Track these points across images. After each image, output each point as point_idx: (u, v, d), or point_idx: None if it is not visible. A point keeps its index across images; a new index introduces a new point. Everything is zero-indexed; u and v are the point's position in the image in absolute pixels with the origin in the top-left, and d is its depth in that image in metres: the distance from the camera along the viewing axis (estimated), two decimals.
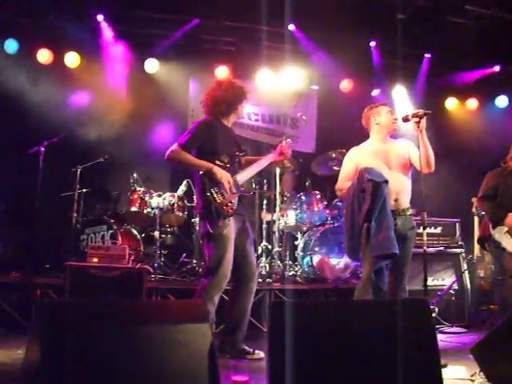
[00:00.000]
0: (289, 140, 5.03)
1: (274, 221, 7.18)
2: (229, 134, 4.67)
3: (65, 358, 2.37)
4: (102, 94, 7.99)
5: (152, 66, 8.37)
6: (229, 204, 4.33)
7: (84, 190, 7.01)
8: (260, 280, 6.58)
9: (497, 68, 9.12)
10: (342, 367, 2.53)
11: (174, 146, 4.37)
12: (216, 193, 4.30)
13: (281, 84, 8.91)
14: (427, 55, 8.92)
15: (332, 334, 2.58)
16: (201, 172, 4.35)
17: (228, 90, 4.61)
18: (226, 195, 4.32)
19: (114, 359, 2.52)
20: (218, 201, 4.29)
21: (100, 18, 7.80)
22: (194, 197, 6.22)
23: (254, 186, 7.22)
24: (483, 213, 5.89)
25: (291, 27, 8.24)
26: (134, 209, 6.93)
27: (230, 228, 4.36)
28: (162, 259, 6.97)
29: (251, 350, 4.54)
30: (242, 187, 4.55)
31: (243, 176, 4.57)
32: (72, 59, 8.02)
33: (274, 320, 2.60)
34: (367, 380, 2.53)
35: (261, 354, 4.50)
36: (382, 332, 2.61)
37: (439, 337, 5.54)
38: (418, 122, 4.36)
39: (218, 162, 4.38)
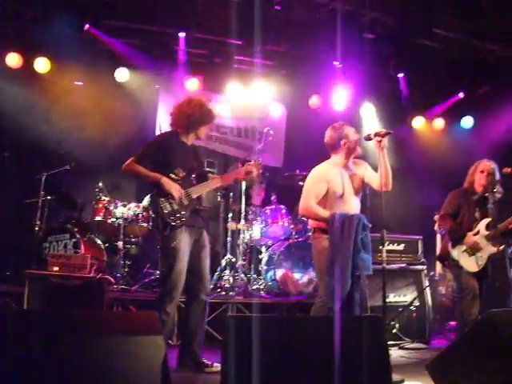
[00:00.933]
0: (259, 160, 5.08)
1: (239, 233, 7.18)
2: (187, 150, 4.71)
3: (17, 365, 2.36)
4: (71, 101, 7.92)
5: (122, 74, 8.32)
6: (177, 215, 4.39)
7: (48, 198, 6.92)
8: (223, 293, 6.59)
9: (461, 95, 9.34)
10: (294, 382, 2.54)
11: (130, 159, 4.49)
12: (164, 203, 4.38)
13: (250, 98, 8.94)
14: (399, 75, 9.03)
15: (286, 349, 2.60)
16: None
17: (195, 108, 4.65)
18: (174, 206, 4.39)
19: (66, 368, 2.50)
20: (165, 211, 4.37)
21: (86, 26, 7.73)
22: None
23: (219, 198, 7.24)
24: (444, 231, 5.97)
25: (258, 46, 8.27)
26: (98, 218, 6.87)
27: (181, 240, 4.40)
28: (125, 269, 6.92)
29: (210, 363, 4.52)
30: (197, 200, 4.59)
31: (198, 189, 4.61)
32: (42, 64, 7.93)
33: (229, 334, 2.60)
34: None
35: (219, 367, 4.47)
36: (334, 348, 2.62)
37: (399, 353, 5.67)
38: (380, 141, 4.43)
39: (171, 175, 4.47)
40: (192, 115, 4.62)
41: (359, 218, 4.40)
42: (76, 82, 8.12)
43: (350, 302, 4.39)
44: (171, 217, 4.37)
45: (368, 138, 4.55)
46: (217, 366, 4.46)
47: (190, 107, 4.65)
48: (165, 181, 4.40)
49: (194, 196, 4.55)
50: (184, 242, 4.43)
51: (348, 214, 4.42)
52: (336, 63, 8.67)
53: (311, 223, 4.77)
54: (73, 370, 2.48)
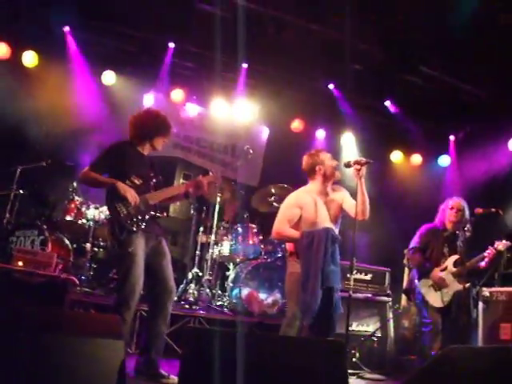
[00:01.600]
0: (217, 173, 5.08)
1: (208, 247, 7.15)
2: (142, 159, 4.69)
3: None
4: (55, 98, 7.86)
5: (109, 78, 8.31)
6: (134, 219, 4.37)
7: (21, 192, 6.82)
8: (187, 306, 6.54)
9: (452, 138, 9.57)
10: None
11: (85, 169, 4.50)
12: (120, 207, 4.37)
13: (233, 115, 8.99)
14: (386, 103, 9.14)
15: (244, 365, 2.58)
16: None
17: (150, 119, 4.68)
18: (130, 210, 4.38)
19: (21, 366, 2.45)
20: (122, 215, 4.35)
21: (66, 28, 7.76)
22: None
23: (191, 211, 7.22)
24: (412, 264, 6.02)
25: (245, 65, 8.35)
26: (68, 218, 6.81)
27: (136, 245, 4.36)
28: (91, 273, 6.84)
29: (166, 374, 4.44)
30: (155, 207, 4.58)
31: (155, 196, 4.60)
32: (29, 58, 7.87)
33: (189, 345, 2.58)
34: None
35: (175, 379, 4.36)
36: (294, 369, 2.62)
37: (358, 382, 5.66)
38: (359, 170, 4.46)
39: (128, 183, 4.46)
40: (146, 126, 4.64)
41: (327, 232, 4.42)
42: (61, 79, 8.05)
43: (326, 319, 4.46)
44: (128, 221, 4.35)
45: (347, 165, 4.58)
46: (173, 379, 4.41)
47: (144, 118, 4.70)
48: (119, 185, 4.38)
49: (152, 202, 4.54)
50: (140, 247, 4.39)
51: (316, 230, 4.45)
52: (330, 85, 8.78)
53: (288, 246, 4.78)
54: (29, 368, 2.43)
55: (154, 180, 4.69)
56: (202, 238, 7.38)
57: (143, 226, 4.42)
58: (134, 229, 4.36)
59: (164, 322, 4.51)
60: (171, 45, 8.16)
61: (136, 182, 4.51)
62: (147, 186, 4.60)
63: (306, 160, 4.78)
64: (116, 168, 4.49)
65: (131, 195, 4.38)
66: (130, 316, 4.36)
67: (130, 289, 4.31)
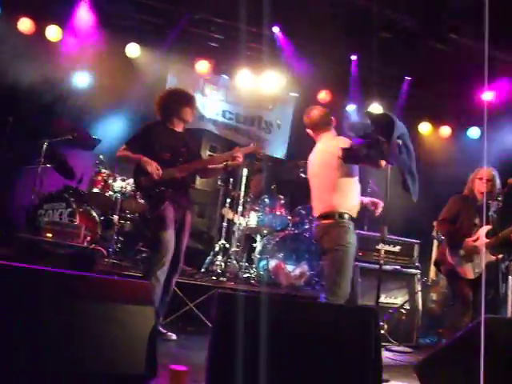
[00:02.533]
0: (258, 145, 5.25)
1: (235, 222, 7.12)
2: (174, 136, 4.99)
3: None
4: (81, 72, 7.87)
5: (133, 50, 8.24)
6: (156, 190, 4.69)
7: (48, 165, 6.83)
8: (214, 278, 6.54)
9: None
10: (283, 365, 2.49)
11: (122, 147, 4.89)
12: (142, 180, 4.74)
13: (260, 86, 8.88)
14: (406, 77, 8.97)
15: (276, 332, 2.55)
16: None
17: (169, 95, 5.10)
18: (151, 182, 4.68)
19: (54, 330, 2.45)
20: (146, 186, 4.73)
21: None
22: None
23: (219, 182, 7.18)
24: (443, 237, 5.92)
25: (275, 29, 8.21)
26: (95, 190, 6.86)
27: (163, 211, 4.65)
28: (118, 245, 6.87)
29: (164, 332, 4.79)
30: (183, 179, 4.85)
31: (182, 168, 4.85)
32: (53, 32, 7.84)
33: (220, 312, 2.55)
34: (307, 380, 2.50)
35: (173, 336, 4.82)
36: (328, 335, 2.58)
37: (386, 354, 5.62)
38: None
39: (158, 159, 4.75)
40: (168, 103, 4.99)
41: None
42: (86, 54, 8.03)
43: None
44: (151, 191, 4.71)
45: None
46: (171, 335, 4.81)
47: (165, 96, 5.08)
48: (144, 160, 4.70)
49: (178, 175, 4.80)
50: (170, 211, 4.68)
51: None
52: (353, 57, 8.62)
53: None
54: (60, 332, 2.43)
55: (186, 154, 4.93)
56: (228, 214, 7.36)
57: (168, 196, 4.69)
58: (160, 196, 4.67)
59: (167, 293, 4.82)
60: (197, 16, 8.06)
61: (165, 157, 4.80)
62: (176, 160, 4.85)
63: (319, 112, 4.60)
64: (147, 146, 4.80)
65: (152, 168, 4.66)
66: (163, 275, 4.62)
67: (163, 251, 4.60)
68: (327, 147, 4.43)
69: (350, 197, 4.37)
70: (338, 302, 3.96)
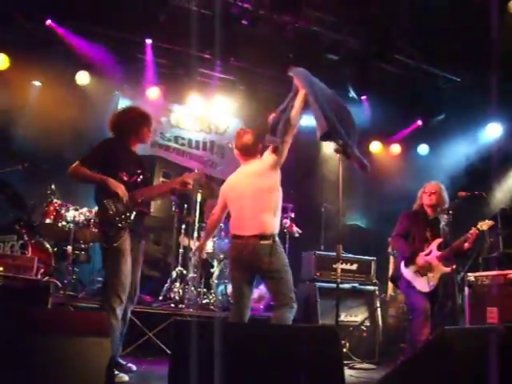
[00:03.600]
0: (202, 169, 5.13)
1: (191, 248, 7.06)
2: (129, 154, 4.76)
3: None
4: (28, 101, 7.74)
5: (83, 78, 8.19)
6: (122, 216, 4.42)
7: None
8: (172, 305, 6.46)
9: (419, 122, 9.56)
10: None
11: (76, 163, 4.50)
12: (109, 204, 4.41)
13: (210, 112, 8.93)
14: (362, 97, 9.12)
15: (236, 357, 2.52)
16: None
17: (129, 113, 4.83)
18: (119, 207, 4.42)
19: (8, 367, 2.37)
20: (111, 212, 4.40)
21: (48, 21, 7.61)
22: None
23: (173, 208, 7.12)
24: (396, 251, 6.01)
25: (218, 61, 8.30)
26: (48, 221, 6.67)
27: (124, 241, 4.41)
28: (73, 276, 6.72)
29: (124, 363, 4.58)
30: (142, 204, 4.61)
31: (142, 192, 4.64)
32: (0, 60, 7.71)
33: (177, 339, 2.51)
34: None
35: (133, 367, 4.61)
36: (289, 355, 2.56)
37: (349, 372, 5.63)
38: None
39: (115, 179, 4.48)
40: (127, 120, 4.75)
41: None
42: (34, 82, 7.92)
43: None
44: (117, 217, 4.40)
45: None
46: (130, 366, 4.59)
47: (124, 113, 4.87)
48: (110, 181, 4.42)
49: (139, 199, 4.57)
50: (128, 243, 4.45)
51: None
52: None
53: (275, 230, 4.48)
54: (15, 368, 2.35)
55: (142, 177, 4.75)
56: (184, 241, 7.31)
57: (130, 223, 4.46)
58: (124, 226, 4.41)
59: (124, 324, 4.58)
60: (148, 41, 8.06)
61: (124, 178, 4.55)
62: (134, 182, 4.64)
63: (252, 138, 4.60)
64: (105, 164, 4.50)
65: (122, 191, 4.43)
66: (121, 312, 4.37)
67: (122, 285, 4.35)
68: (260, 170, 4.50)
69: (278, 219, 4.53)
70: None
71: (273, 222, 4.40)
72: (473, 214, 6.08)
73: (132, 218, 4.47)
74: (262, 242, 4.31)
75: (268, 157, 4.47)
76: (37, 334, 2.47)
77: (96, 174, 4.47)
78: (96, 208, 6.48)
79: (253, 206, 4.39)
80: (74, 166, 4.47)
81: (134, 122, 4.75)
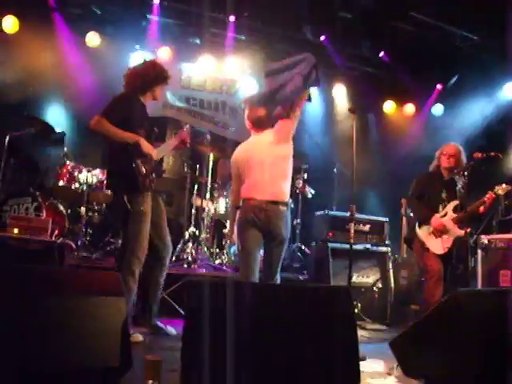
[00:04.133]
0: (187, 127, 5.01)
1: (204, 208, 7.07)
2: (144, 110, 4.68)
3: None
4: (39, 64, 7.68)
5: (93, 39, 8.11)
6: (150, 177, 4.38)
7: (11, 160, 6.69)
8: (185, 265, 6.50)
9: (439, 86, 9.41)
10: (258, 350, 2.47)
11: (97, 116, 4.26)
12: (141, 165, 4.31)
13: (222, 71, 8.84)
14: (380, 54, 8.97)
15: (250, 317, 2.53)
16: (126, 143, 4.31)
17: (148, 68, 4.66)
18: (148, 168, 4.36)
19: (24, 327, 2.39)
20: (143, 173, 4.31)
21: None
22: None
23: (185, 169, 7.11)
24: (411, 214, 5.98)
25: (232, 18, 8.15)
26: (61, 183, 6.69)
27: (148, 203, 4.40)
28: (87, 238, 6.77)
29: (164, 326, 4.65)
30: (159, 163, 4.67)
31: (159, 151, 4.61)
32: (10, 23, 7.64)
33: (190, 300, 2.51)
34: (283, 364, 2.48)
35: (173, 331, 4.65)
36: (303, 317, 2.57)
37: (360, 333, 5.66)
38: None
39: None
40: (146, 74, 4.60)
41: None
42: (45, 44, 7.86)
43: None
44: (147, 179, 4.35)
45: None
46: (171, 330, 4.64)
47: (143, 67, 4.68)
48: (144, 142, 4.35)
49: (157, 158, 4.55)
50: (149, 205, 4.43)
51: None
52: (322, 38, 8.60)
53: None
54: (29, 327, 2.37)
55: (157, 133, 4.74)
56: (196, 201, 7.30)
57: (154, 185, 4.45)
58: (149, 187, 4.38)
59: (162, 273, 4.68)
60: (156, 1, 7.94)
61: (142, 134, 4.45)
62: (150, 139, 4.55)
63: (265, 112, 4.59)
64: (125, 119, 4.35)
65: (155, 154, 4.42)
66: (139, 271, 4.40)
67: (142, 248, 4.38)
68: (275, 139, 4.48)
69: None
70: None
71: (288, 190, 4.47)
72: (489, 175, 6.00)
73: (154, 177, 4.44)
74: (280, 208, 4.34)
75: (282, 126, 4.47)
76: (51, 294, 2.49)
77: (125, 132, 4.29)
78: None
79: (272, 173, 4.40)
80: (96, 119, 4.24)
81: (154, 77, 4.61)
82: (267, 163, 4.40)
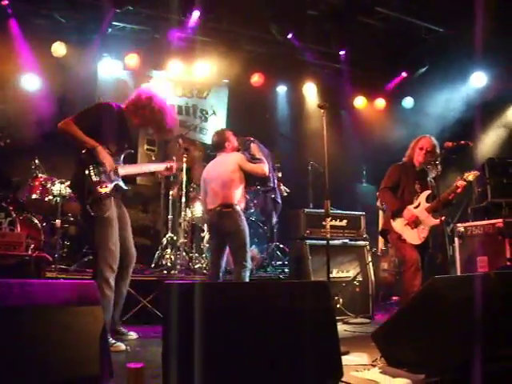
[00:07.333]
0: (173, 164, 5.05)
1: (180, 213, 7.04)
2: (125, 129, 4.66)
3: None
4: (6, 74, 7.60)
5: (59, 49, 8.02)
6: (103, 186, 4.31)
7: None
8: (165, 272, 6.47)
9: (404, 74, 9.50)
10: (239, 348, 2.47)
11: (67, 119, 4.32)
12: (93, 172, 4.28)
13: (192, 76, 8.83)
14: (340, 52, 9.03)
15: (230, 315, 2.52)
16: (83, 150, 4.29)
17: (158, 118, 4.68)
18: (102, 177, 4.32)
19: (3, 342, 2.36)
20: (94, 180, 4.27)
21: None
22: None
23: (159, 176, 7.06)
24: (386, 205, 6.01)
25: (195, 14, 8.07)
26: (34, 196, 6.63)
27: (112, 210, 4.38)
28: (64, 250, 6.70)
29: (126, 331, 4.73)
30: (119, 179, 4.54)
31: (127, 170, 4.61)
32: None
33: (168, 304, 2.50)
34: (264, 360, 2.48)
35: (134, 335, 4.76)
36: (282, 312, 2.57)
37: (344, 327, 5.68)
38: None
39: (104, 147, 4.37)
40: (153, 119, 4.67)
41: None
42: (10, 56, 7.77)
43: None
44: (98, 187, 4.29)
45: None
46: (132, 335, 4.75)
47: (156, 115, 4.66)
48: (101, 150, 4.31)
49: (121, 174, 4.53)
50: (113, 211, 4.42)
51: None
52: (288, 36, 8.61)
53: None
54: (5, 340, 2.34)
55: (127, 151, 4.69)
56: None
57: (112, 193, 4.39)
58: (102, 196, 4.30)
59: (125, 284, 4.68)
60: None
61: (112, 150, 4.46)
62: (120, 156, 4.59)
63: (217, 136, 5.81)
64: (96, 129, 4.34)
65: (109, 163, 4.35)
66: (113, 281, 4.37)
67: (112, 253, 4.33)
68: (227, 159, 5.57)
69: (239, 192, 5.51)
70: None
71: (234, 194, 5.40)
72: (460, 164, 6.07)
73: (113, 188, 4.40)
74: (224, 210, 5.36)
75: (237, 157, 5.56)
76: (27, 307, 2.46)
77: (88, 138, 4.27)
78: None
79: (222, 184, 5.44)
80: (65, 121, 4.29)
81: (156, 119, 4.67)
82: (216, 176, 5.51)
